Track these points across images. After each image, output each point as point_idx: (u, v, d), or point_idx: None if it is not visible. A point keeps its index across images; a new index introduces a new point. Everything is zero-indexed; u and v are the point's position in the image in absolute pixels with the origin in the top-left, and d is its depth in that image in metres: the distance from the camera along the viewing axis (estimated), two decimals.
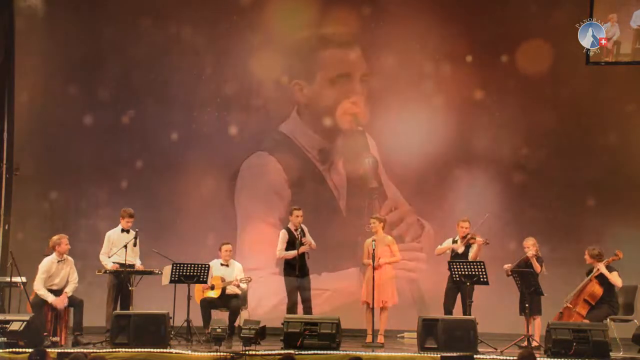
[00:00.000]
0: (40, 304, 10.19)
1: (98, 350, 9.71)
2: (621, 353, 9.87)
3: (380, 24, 12.91)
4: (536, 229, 11.67)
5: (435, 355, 9.39)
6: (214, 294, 11.02)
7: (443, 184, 12.72)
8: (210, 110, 13.14)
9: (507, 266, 10.50)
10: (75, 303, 10.32)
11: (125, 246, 10.55)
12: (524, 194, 12.57)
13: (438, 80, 12.82)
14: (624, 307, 10.43)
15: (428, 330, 9.72)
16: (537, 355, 8.23)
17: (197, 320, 10.80)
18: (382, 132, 12.96)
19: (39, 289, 10.20)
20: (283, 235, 11.02)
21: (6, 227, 12.61)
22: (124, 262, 10.57)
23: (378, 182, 12.86)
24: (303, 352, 9.41)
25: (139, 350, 9.49)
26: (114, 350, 9.53)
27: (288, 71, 13.06)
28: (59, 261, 10.34)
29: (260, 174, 13.02)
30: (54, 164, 12.98)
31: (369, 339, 10.55)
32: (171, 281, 10.60)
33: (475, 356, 9.29)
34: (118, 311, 10.42)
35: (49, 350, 8.32)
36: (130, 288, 10.53)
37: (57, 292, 10.26)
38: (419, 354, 9.54)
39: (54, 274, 10.31)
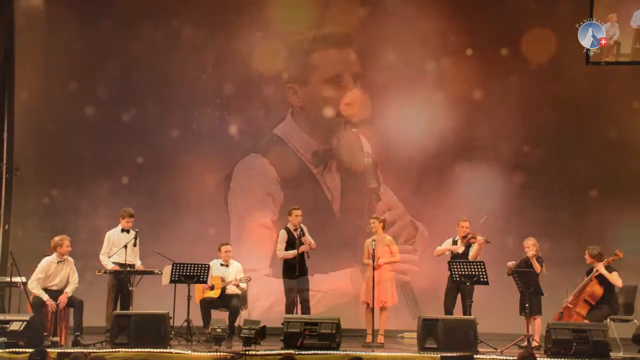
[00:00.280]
0: (40, 304, 10.19)
1: (98, 350, 9.72)
2: (621, 353, 9.86)
3: (378, 21, 12.89)
4: (536, 228, 11.68)
5: (435, 355, 9.39)
6: (213, 294, 11.02)
7: (443, 183, 12.72)
8: (211, 110, 13.15)
9: (511, 263, 10.48)
10: (75, 303, 10.31)
11: (125, 246, 10.55)
12: (524, 193, 12.57)
13: (438, 79, 12.81)
14: (624, 307, 10.42)
15: (428, 330, 9.71)
16: (537, 355, 8.21)
17: (197, 320, 10.80)
18: (380, 131, 12.94)
19: (34, 287, 10.19)
20: (282, 235, 11.02)
21: (6, 227, 12.61)
22: (124, 262, 10.57)
23: (378, 182, 12.86)
24: (303, 352, 9.41)
25: (139, 350, 9.49)
26: (114, 350, 9.53)
27: (286, 71, 13.04)
28: (58, 262, 10.34)
29: (252, 176, 13.04)
30: (54, 164, 12.99)
31: (369, 339, 10.55)
32: (171, 281, 10.60)
33: (475, 356, 9.31)
34: (118, 311, 10.42)
35: (49, 350, 8.33)
36: (130, 288, 10.53)
37: (56, 293, 10.26)
38: (419, 354, 9.54)
39: (53, 274, 10.31)
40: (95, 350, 9.71)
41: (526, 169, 12.61)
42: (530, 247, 10.48)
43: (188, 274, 10.56)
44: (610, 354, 9.42)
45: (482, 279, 10.20)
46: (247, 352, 9.39)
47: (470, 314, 10.13)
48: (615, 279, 10.10)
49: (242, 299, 11.21)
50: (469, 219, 10.83)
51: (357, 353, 9.38)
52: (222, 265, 11.23)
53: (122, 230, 10.87)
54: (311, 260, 10.98)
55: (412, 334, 10.62)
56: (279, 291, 11.09)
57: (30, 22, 13.03)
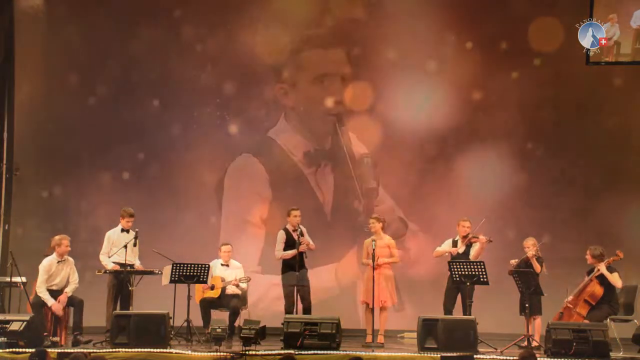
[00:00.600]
0: (40, 304, 10.20)
1: (98, 350, 9.73)
2: (621, 353, 9.86)
3: (378, 21, 12.89)
4: (536, 228, 11.67)
5: (435, 355, 9.39)
6: (213, 294, 11.02)
7: (442, 182, 12.71)
8: (211, 110, 13.15)
9: (514, 261, 10.48)
10: (75, 303, 10.32)
11: (125, 246, 10.55)
12: (524, 193, 12.57)
13: (438, 78, 12.81)
14: (624, 307, 10.41)
15: (428, 330, 9.71)
16: (537, 355, 8.21)
17: (197, 320, 10.80)
18: (379, 130, 12.91)
19: (42, 291, 10.21)
20: (281, 235, 11.01)
21: (6, 227, 12.63)
22: (124, 262, 10.56)
23: (377, 182, 12.85)
24: (303, 352, 9.41)
25: (139, 350, 9.49)
26: (114, 350, 9.53)
27: (287, 71, 13.03)
28: (59, 261, 10.35)
29: (243, 176, 13.05)
30: (53, 164, 13.00)
31: (368, 339, 10.54)
32: (171, 281, 10.60)
33: (475, 356, 9.31)
34: (118, 311, 10.42)
35: (49, 350, 8.34)
36: (130, 288, 10.52)
37: (57, 292, 10.27)
38: (419, 354, 9.54)
39: (54, 274, 10.31)
40: (95, 350, 9.72)
41: (526, 168, 12.60)
42: (530, 247, 10.48)
43: (188, 274, 10.56)
44: (610, 354, 9.42)
45: (482, 279, 10.19)
46: (247, 352, 9.39)
47: (470, 314, 10.13)
48: (615, 279, 10.09)
49: (242, 299, 11.20)
50: (469, 219, 10.83)
51: (357, 353, 9.38)
52: (222, 265, 11.23)
53: (122, 230, 10.86)
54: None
55: (412, 334, 10.62)
56: (268, 287, 11.01)
57: (30, 22, 13.03)
